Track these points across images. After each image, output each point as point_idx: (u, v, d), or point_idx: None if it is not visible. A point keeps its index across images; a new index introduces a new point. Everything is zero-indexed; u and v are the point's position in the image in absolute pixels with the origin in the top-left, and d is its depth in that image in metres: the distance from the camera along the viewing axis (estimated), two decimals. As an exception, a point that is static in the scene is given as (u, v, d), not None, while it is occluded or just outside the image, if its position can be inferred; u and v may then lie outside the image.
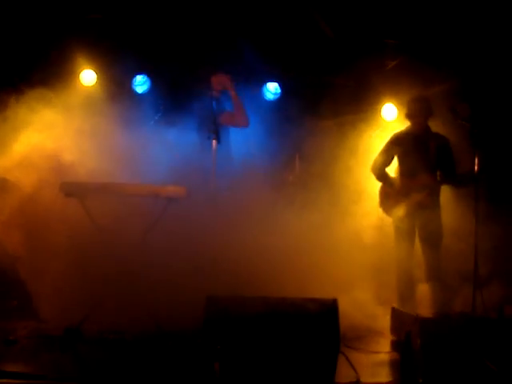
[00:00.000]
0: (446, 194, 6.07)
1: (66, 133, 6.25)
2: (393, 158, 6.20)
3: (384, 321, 5.35)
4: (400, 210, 5.93)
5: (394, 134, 6.24)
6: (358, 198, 6.54)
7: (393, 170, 6.24)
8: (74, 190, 5.01)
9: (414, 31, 6.94)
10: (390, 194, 6.09)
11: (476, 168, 5.44)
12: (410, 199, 5.93)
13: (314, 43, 7.28)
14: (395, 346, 4.95)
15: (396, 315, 5.15)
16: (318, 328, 4.29)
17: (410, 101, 6.15)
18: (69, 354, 4.61)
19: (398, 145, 6.14)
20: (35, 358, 4.51)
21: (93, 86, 7.11)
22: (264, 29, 7.10)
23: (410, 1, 6.57)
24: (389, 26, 7.00)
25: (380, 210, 6.19)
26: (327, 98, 7.41)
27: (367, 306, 5.51)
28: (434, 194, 5.98)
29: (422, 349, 4.20)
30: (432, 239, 5.90)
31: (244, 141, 6.54)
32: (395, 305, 5.37)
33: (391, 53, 7.52)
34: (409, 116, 6.12)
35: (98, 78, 7.10)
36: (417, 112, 6.04)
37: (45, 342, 4.79)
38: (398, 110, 7.32)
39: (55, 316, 5.36)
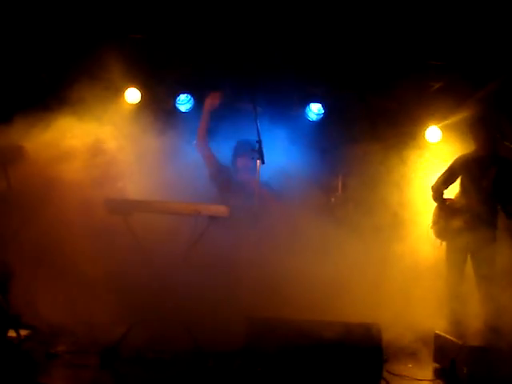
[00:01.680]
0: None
1: (109, 150, 6.31)
2: (453, 181, 6.06)
3: (428, 347, 5.23)
4: (449, 234, 5.81)
5: (459, 156, 6.07)
6: (402, 221, 6.42)
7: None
8: (117, 206, 5.05)
9: (459, 51, 6.85)
10: (443, 215, 5.95)
11: None
12: (455, 222, 5.79)
13: (357, 65, 7.25)
14: (439, 373, 4.83)
15: (440, 342, 5.02)
16: (360, 353, 4.22)
17: (473, 122, 6.03)
18: (108, 372, 4.61)
19: (459, 167, 5.98)
20: (75, 373, 4.52)
21: (137, 104, 7.17)
22: (307, 49, 7.10)
23: (454, 21, 6.50)
24: (433, 47, 6.93)
25: (428, 234, 6.05)
26: (370, 119, 7.35)
27: (411, 331, 5.37)
28: (486, 223, 5.74)
29: (469, 378, 4.09)
30: (483, 269, 5.67)
31: (287, 161, 6.52)
32: (439, 330, 5.21)
33: (435, 74, 7.44)
34: (472, 138, 5.97)
35: (142, 97, 7.16)
36: (479, 134, 5.91)
37: (83, 358, 4.80)
38: (442, 132, 7.21)
39: (93, 332, 5.38)
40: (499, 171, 5.82)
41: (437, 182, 6.11)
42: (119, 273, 5.41)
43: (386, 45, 6.95)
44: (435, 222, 6.03)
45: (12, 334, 4.87)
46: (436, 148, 7.01)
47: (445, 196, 6.10)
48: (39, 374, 4.42)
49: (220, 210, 4.94)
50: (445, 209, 5.98)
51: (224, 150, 6.34)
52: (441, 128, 7.24)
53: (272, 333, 4.18)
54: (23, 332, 5.04)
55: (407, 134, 7.39)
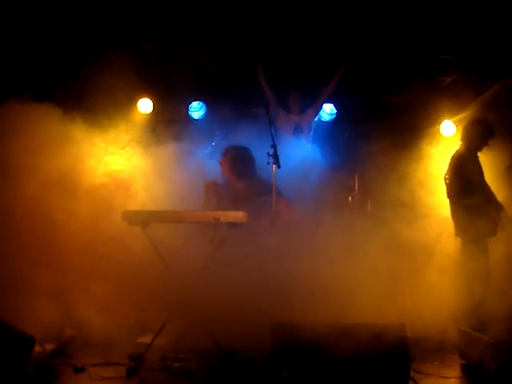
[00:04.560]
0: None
1: (124, 161, 6.34)
2: None
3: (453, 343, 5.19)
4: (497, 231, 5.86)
5: (463, 154, 6.15)
6: (421, 217, 6.38)
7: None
8: (135, 218, 5.04)
9: (470, 46, 6.82)
10: (491, 212, 5.92)
11: None
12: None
13: (368, 61, 7.24)
14: (466, 370, 4.78)
15: (465, 338, 4.97)
16: (386, 354, 4.19)
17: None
18: (135, 383, 4.61)
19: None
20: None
21: (150, 113, 7.20)
22: (318, 49, 7.10)
23: (465, 15, 6.47)
24: (443, 41, 6.90)
25: (445, 230, 5.99)
26: (384, 116, 7.34)
27: (437, 329, 5.32)
28: None
29: (498, 374, 4.05)
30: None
31: (303, 162, 6.52)
32: (463, 327, 5.16)
33: (447, 68, 7.41)
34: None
35: (154, 106, 7.19)
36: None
37: (110, 370, 4.80)
38: (457, 126, 7.17)
39: (119, 343, 5.39)
40: None
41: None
42: (140, 283, 5.43)
43: (396, 40, 6.94)
44: (476, 218, 5.90)
45: (38, 348, 4.87)
46: (451, 142, 6.97)
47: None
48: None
49: (238, 216, 4.92)
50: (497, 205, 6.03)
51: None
52: (455, 122, 7.20)
53: (298, 337, 4.17)
54: (48, 346, 5.06)
55: (421, 129, 7.36)
